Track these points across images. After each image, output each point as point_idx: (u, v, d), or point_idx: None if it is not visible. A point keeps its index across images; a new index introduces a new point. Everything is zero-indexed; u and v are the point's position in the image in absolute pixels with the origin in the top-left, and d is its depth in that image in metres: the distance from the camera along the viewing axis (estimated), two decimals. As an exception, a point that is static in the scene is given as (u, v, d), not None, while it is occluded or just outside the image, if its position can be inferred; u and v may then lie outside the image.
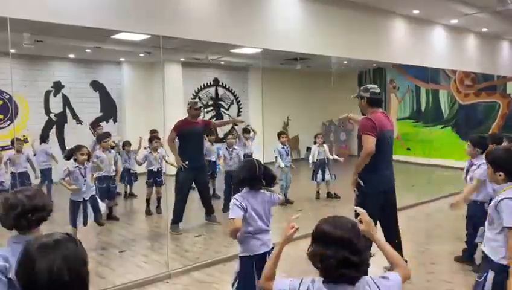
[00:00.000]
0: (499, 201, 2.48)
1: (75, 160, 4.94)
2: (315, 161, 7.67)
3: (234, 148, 6.92)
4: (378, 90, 4.04)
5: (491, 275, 2.49)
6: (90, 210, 5.02)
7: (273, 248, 3.03)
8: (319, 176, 7.69)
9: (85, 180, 4.96)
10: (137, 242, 5.54)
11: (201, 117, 6.24)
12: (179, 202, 5.85)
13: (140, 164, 7.00)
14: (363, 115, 4.12)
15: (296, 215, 1.92)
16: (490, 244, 2.57)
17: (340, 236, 1.49)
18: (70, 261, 1.30)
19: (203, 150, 6.27)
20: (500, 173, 2.54)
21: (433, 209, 7.12)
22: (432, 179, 8.19)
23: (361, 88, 4.06)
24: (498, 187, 2.60)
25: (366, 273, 1.55)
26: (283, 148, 7.26)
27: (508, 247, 2.45)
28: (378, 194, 3.96)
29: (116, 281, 4.24)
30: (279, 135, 7.35)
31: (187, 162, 5.81)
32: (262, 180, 2.95)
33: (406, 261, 4.20)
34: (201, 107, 6.06)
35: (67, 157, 5.02)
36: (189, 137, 5.83)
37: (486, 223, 2.63)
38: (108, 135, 6.56)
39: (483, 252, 2.67)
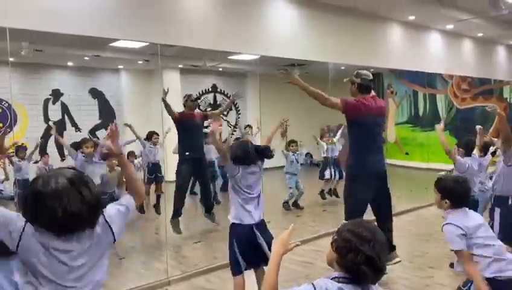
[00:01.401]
0: (442, 227, 2.69)
1: (82, 153, 5.03)
2: (327, 155, 7.75)
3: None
4: (370, 77, 4.03)
5: (473, 287, 2.55)
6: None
7: (260, 221, 3.40)
8: (327, 173, 7.76)
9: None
10: (137, 249, 5.55)
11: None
12: (179, 195, 5.83)
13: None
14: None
15: (291, 225, 1.89)
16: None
17: (379, 239, 1.57)
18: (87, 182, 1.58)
19: (202, 142, 6.26)
20: (446, 201, 2.72)
21: (432, 213, 7.13)
22: (430, 183, 8.20)
23: (354, 73, 4.06)
24: (446, 213, 2.77)
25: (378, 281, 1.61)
26: (293, 155, 7.35)
27: (467, 271, 2.57)
28: (367, 177, 3.95)
29: (115, 289, 4.24)
30: (289, 143, 7.45)
31: (187, 153, 5.82)
32: (256, 157, 3.33)
33: (395, 247, 4.21)
34: (197, 98, 6.14)
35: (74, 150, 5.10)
36: (187, 129, 5.84)
37: None
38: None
39: None
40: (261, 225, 3.45)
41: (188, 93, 6.19)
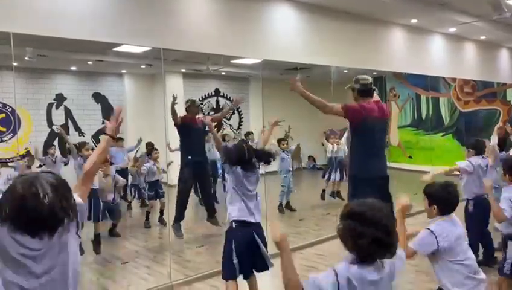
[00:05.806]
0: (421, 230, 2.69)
1: (81, 156, 5.13)
2: (332, 156, 7.84)
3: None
4: (368, 81, 3.99)
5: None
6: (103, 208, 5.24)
7: (259, 224, 3.42)
8: (333, 175, 7.83)
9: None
10: (140, 254, 5.55)
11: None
12: (181, 199, 5.84)
13: (143, 175, 6.99)
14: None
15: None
16: None
17: (379, 217, 1.58)
18: (57, 187, 1.51)
19: (204, 146, 6.29)
20: (434, 207, 2.70)
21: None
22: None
23: (354, 79, 4.05)
24: (430, 221, 2.75)
25: (394, 254, 1.64)
26: (283, 152, 7.45)
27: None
28: (369, 180, 3.92)
29: (118, 293, 4.24)
30: (279, 141, 7.53)
31: (189, 157, 5.85)
32: (253, 162, 3.24)
33: None
34: (200, 104, 6.20)
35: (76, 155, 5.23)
36: (189, 133, 5.89)
37: None
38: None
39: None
40: (260, 228, 3.43)
41: (191, 98, 6.22)
